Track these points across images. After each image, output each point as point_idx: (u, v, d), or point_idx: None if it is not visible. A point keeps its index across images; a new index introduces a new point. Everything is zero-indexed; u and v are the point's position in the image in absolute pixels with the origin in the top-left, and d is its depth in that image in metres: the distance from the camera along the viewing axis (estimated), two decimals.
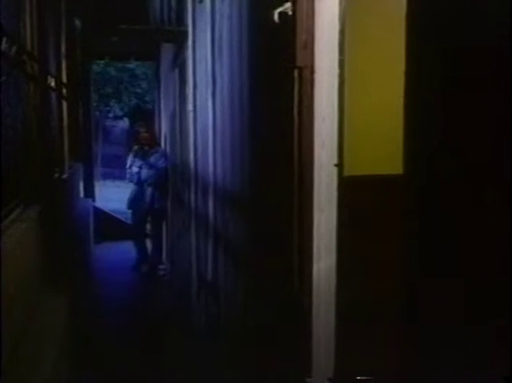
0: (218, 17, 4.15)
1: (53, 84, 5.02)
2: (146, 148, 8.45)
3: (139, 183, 8.41)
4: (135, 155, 8.54)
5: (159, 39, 7.78)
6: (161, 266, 8.58)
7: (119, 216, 10.67)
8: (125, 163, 8.91)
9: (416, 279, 2.13)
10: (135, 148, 8.60)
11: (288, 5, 2.35)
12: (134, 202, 8.53)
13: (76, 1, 7.41)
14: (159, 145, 9.09)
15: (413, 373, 2.09)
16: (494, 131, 1.28)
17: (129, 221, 9.29)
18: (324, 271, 2.31)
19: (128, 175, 8.72)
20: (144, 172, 8.34)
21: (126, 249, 8.98)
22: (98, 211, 10.21)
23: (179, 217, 7.27)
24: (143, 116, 8.37)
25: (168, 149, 8.59)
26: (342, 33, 2.17)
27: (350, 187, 2.22)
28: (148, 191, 8.36)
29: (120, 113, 21.24)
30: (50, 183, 4.30)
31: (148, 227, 9.03)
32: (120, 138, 21.32)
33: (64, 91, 6.10)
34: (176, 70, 7.17)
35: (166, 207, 8.62)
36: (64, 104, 6.14)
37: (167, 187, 8.49)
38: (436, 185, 1.83)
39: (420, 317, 2.01)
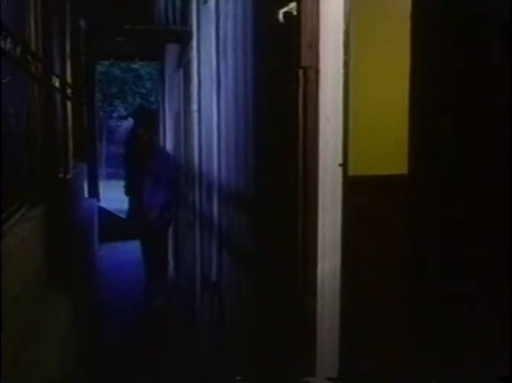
0: (222, 17, 4.15)
1: (57, 84, 5.03)
2: (146, 152, 7.01)
3: (140, 193, 6.97)
4: (135, 163, 7.14)
5: (163, 39, 7.78)
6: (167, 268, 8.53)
7: (123, 216, 10.68)
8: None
9: (420, 279, 2.13)
10: (135, 154, 7.18)
11: (293, 5, 2.35)
12: (135, 212, 7.17)
13: (80, 2, 7.43)
14: (163, 148, 8.22)
15: (417, 373, 2.08)
16: (502, 129, 1.28)
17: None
18: (329, 271, 2.31)
19: (125, 188, 7.36)
20: (147, 182, 6.93)
21: (130, 249, 8.99)
22: (102, 211, 10.22)
23: (183, 217, 7.27)
24: (145, 116, 7.62)
25: (172, 149, 8.52)
26: (347, 33, 2.17)
27: (355, 187, 2.22)
28: (151, 203, 6.89)
29: (124, 113, 21.31)
30: (55, 183, 4.31)
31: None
32: (124, 138, 21.37)
33: (68, 91, 6.11)
34: (181, 70, 7.17)
35: (173, 217, 7.50)
36: (69, 105, 6.15)
37: (174, 196, 7.23)
38: (441, 185, 1.82)
39: (423, 317, 2.01)
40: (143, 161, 6.96)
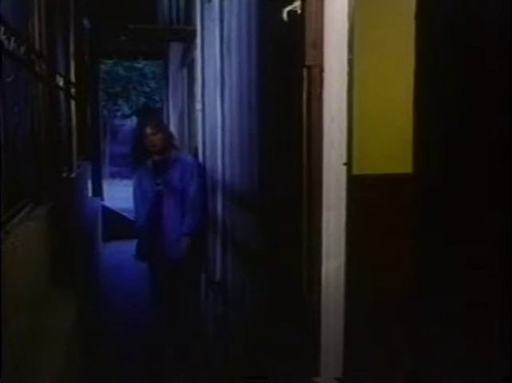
0: (226, 15, 4.15)
1: (61, 83, 5.03)
2: (157, 157, 5.15)
3: (153, 220, 5.14)
4: (143, 173, 5.24)
5: (167, 38, 7.78)
6: None
7: (127, 215, 10.69)
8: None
9: (424, 278, 2.12)
10: (148, 161, 5.19)
11: (297, 3, 2.34)
12: (148, 250, 5.36)
13: (84, 1, 7.43)
14: (179, 149, 5.82)
15: (421, 373, 2.08)
16: (507, 129, 1.27)
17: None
18: (333, 270, 2.30)
19: (136, 214, 5.43)
20: (163, 201, 5.13)
21: (134, 248, 8.97)
22: (106, 210, 10.24)
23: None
24: (151, 114, 7.22)
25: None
26: (351, 31, 2.16)
27: (359, 186, 2.21)
28: (173, 231, 5.10)
29: (128, 112, 21.34)
30: (59, 182, 4.31)
31: None
32: (128, 137, 21.39)
33: (72, 90, 6.11)
34: (185, 69, 7.18)
35: (202, 256, 5.45)
36: (73, 104, 6.15)
37: (204, 218, 5.21)
38: (446, 184, 1.82)
39: (427, 317, 2.00)
40: (157, 173, 5.17)
